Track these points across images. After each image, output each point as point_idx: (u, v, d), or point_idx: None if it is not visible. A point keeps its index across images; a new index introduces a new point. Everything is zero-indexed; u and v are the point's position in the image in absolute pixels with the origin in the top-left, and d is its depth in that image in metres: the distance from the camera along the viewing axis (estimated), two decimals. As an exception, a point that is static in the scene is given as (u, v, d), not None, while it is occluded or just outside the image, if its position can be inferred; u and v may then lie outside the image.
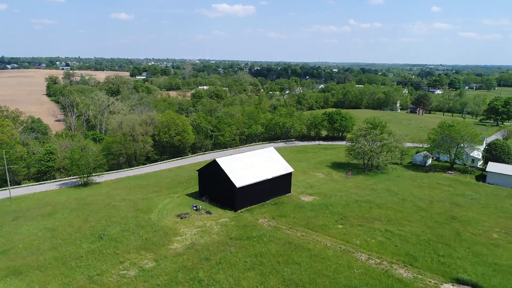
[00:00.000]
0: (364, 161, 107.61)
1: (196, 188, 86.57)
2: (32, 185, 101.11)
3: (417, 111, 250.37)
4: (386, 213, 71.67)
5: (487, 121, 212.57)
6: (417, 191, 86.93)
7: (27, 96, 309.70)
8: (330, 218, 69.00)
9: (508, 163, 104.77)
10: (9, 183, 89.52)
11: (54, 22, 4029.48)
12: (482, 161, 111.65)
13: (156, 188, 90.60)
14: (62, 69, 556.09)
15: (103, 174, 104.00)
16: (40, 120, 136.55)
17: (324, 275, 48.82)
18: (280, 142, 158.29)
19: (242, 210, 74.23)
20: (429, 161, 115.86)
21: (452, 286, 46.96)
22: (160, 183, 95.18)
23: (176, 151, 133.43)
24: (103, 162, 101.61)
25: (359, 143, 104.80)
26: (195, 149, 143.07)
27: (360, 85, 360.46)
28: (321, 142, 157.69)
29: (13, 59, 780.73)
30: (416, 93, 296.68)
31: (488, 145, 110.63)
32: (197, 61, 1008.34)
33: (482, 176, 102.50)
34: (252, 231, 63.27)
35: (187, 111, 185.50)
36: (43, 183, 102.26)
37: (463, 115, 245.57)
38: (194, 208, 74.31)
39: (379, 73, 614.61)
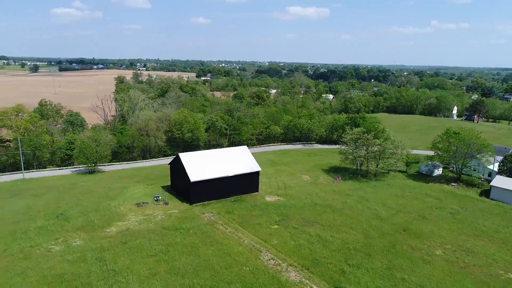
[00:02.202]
0: (357, 167, 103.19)
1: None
2: (53, 169, 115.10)
3: (474, 119, 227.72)
4: (333, 218, 69.16)
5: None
6: (392, 201, 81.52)
7: (98, 93, 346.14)
8: (273, 218, 68.77)
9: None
10: (22, 167, 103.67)
11: (140, 27, 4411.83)
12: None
13: (141, 178, 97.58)
14: (139, 69, 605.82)
15: (106, 164, 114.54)
16: (78, 114, 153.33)
17: (211, 269, 50.00)
18: (299, 144, 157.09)
19: (198, 204, 77.15)
20: (438, 171, 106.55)
21: (330, 294, 45.02)
22: (149, 175, 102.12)
23: (189, 147, 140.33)
24: (107, 153, 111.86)
25: (348, 146, 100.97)
26: (209, 147, 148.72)
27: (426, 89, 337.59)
28: (342, 146, 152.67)
29: (101, 61, 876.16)
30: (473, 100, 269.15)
31: (505, 157, 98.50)
32: (266, 63, 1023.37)
33: (488, 191, 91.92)
34: (187, 223, 66.05)
35: (237, 110, 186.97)
36: (62, 169, 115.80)
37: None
38: (155, 198, 79.16)
39: (455, 78, 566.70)
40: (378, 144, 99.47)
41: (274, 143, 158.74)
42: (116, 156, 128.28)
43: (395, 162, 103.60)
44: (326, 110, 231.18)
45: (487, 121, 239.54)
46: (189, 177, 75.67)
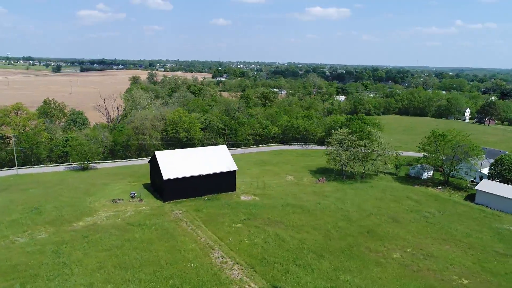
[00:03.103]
0: (342, 168, 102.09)
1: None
2: (49, 166, 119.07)
3: (485, 121, 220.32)
4: (300, 219, 68.79)
5: None
6: (369, 203, 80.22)
7: (113, 92, 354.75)
8: (238, 217, 69.00)
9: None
10: (16, 163, 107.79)
11: (162, 28, 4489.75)
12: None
13: (125, 176, 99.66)
14: (157, 70, 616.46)
15: (100, 162, 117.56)
16: (81, 112, 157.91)
17: (156, 264, 50.82)
18: (296, 145, 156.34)
19: (171, 201, 78.23)
20: (427, 174, 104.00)
21: (265, 293, 44.97)
22: (136, 173, 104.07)
23: (184, 147, 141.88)
24: (98, 151, 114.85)
25: (332, 146, 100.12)
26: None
27: (442, 91, 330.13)
28: (328, 147, 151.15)
29: (122, 61, 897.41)
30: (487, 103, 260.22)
31: (495, 160, 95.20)
32: (285, 64, 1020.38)
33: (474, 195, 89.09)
34: (152, 219, 67.17)
35: (237, 110, 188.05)
36: (58, 165, 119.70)
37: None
38: (131, 195, 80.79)
39: (477, 79, 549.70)
40: (363, 145, 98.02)
41: (272, 143, 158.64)
42: (113, 153, 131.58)
43: (383, 164, 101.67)
44: (335, 111, 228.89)
45: (501, 124, 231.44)
46: (162, 174, 76.94)
